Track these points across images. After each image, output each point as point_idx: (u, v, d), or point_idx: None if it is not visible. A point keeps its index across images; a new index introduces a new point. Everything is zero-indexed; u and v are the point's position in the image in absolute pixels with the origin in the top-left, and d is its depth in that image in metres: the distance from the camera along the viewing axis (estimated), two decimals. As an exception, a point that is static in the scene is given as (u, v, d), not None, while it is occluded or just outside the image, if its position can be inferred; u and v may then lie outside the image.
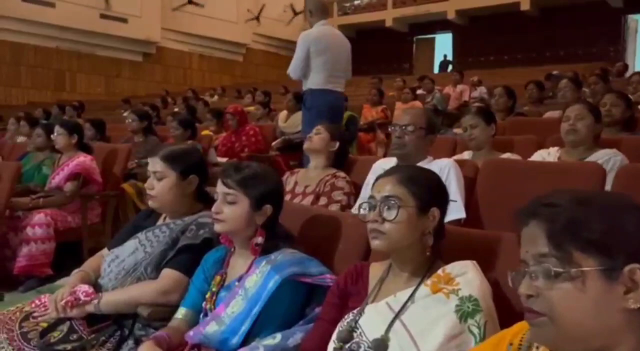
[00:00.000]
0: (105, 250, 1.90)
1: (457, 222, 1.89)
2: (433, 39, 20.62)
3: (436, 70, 19.11)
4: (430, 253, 1.18)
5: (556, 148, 2.41)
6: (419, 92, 7.78)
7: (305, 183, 2.40)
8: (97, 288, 1.68)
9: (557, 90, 3.85)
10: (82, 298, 1.56)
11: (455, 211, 1.87)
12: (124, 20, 15.18)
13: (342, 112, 4.12)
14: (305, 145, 2.46)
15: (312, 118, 3.91)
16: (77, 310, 1.57)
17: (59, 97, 14.26)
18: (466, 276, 1.12)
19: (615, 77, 9.11)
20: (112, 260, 1.72)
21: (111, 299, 1.58)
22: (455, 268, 1.14)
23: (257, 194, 1.46)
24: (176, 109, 8.07)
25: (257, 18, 19.03)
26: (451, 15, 18.19)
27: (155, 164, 1.76)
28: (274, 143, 5.02)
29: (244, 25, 18.78)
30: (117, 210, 3.86)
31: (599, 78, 4.12)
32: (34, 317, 1.59)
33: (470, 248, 1.26)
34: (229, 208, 1.45)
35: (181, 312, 1.51)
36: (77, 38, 14.57)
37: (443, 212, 1.20)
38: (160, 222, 1.84)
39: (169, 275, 1.60)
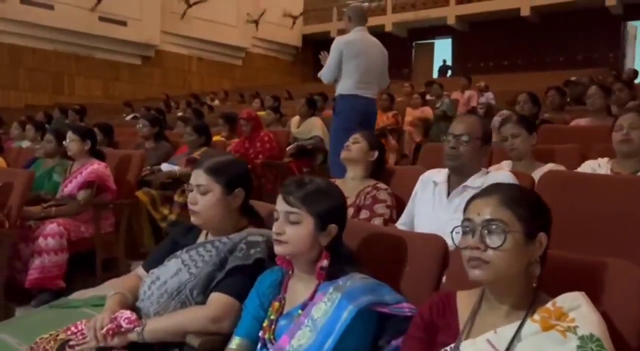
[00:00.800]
0: (140, 270, 1.76)
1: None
2: (432, 44, 20.59)
3: (435, 75, 19.06)
4: (537, 284, 1.05)
5: (606, 159, 2.30)
6: (428, 97, 7.67)
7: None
8: (137, 312, 1.54)
9: (586, 97, 3.74)
10: (124, 325, 1.42)
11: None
12: (123, 23, 15.03)
13: (373, 118, 4.04)
14: (343, 155, 2.33)
15: (341, 123, 3.87)
16: (118, 339, 1.42)
17: (57, 100, 14.07)
18: (580, 310, 0.99)
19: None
20: (152, 282, 1.58)
21: (156, 327, 1.44)
22: (566, 301, 1.01)
23: (322, 212, 1.33)
24: (180, 113, 7.93)
25: (257, 22, 18.91)
26: (451, 21, 18.15)
27: (198, 177, 1.63)
28: (287, 149, 4.90)
29: (244, 28, 18.67)
30: (129, 219, 3.71)
31: (625, 85, 4.01)
32: (70, 347, 1.44)
33: (573, 277, 1.13)
34: (292, 229, 1.32)
35: (235, 342, 1.38)
36: (76, 40, 14.40)
37: (549, 237, 1.07)
38: (201, 238, 1.71)
39: (219, 299, 1.46)
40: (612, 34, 16.59)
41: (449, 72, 18.86)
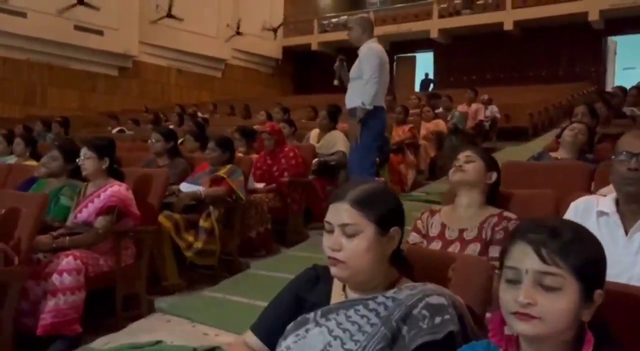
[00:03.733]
0: (249, 336, 1.31)
1: None
2: (414, 58, 20.49)
3: (417, 88, 18.94)
4: None
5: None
6: (438, 110, 7.36)
7: (458, 226, 1.85)
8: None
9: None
10: None
11: None
12: (100, 33, 14.37)
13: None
14: (457, 177, 1.91)
15: (375, 137, 3.73)
16: None
17: (28, 112, 13.31)
18: None
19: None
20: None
21: None
22: None
23: (589, 274, 0.91)
24: (171, 126, 7.40)
25: (237, 33, 18.47)
26: (434, 34, 18.08)
27: (342, 213, 1.19)
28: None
29: (224, 40, 18.20)
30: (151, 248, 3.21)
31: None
32: None
33: None
34: (548, 298, 0.89)
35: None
36: (50, 50, 13.67)
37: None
38: (337, 294, 1.27)
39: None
40: (594, 49, 16.75)
41: (431, 86, 18.75)
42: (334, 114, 4.93)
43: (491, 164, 1.93)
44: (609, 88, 17.26)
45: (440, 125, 6.62)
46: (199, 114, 9.24)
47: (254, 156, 4.35)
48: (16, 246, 2.51)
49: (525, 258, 0.91)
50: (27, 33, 12.87)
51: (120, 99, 15.54)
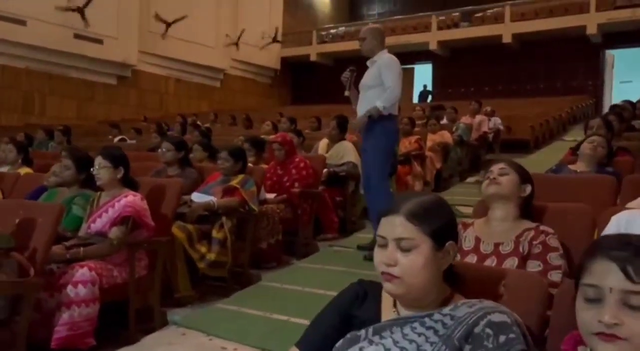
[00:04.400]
0: (296, 353, 1.26)
1: None
2: (412, 69, 20.55)
3: (415, 99, 18.98)
4: None
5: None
6: (443, 121, 7.35)
7: (493, 239, 1.82)
8: None
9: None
10: None
11: None
12: (100, 41, 14.34)
13: None
14: (492, 190, 1.88)
15: (391, 145, 3.80)
16: None
17: (26, 120, 13.24)
18: None
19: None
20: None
21: None
22: None
23: None
24: (176, 135, 7.35)
25: (236, 43, 18.49)
26: (433, 46, 18.17)
27: (396, 227, 1.15)
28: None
29: (223, 50, 18.22)
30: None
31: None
32: None
33: None
34: (636, 319, 0.85)
35: None
36: (49, 58, 13.61)
37: None
38: (387, 311, 1.22)
39: None
40: (591, 62, 16.87)
41: (430, 97, 18.81)
42: (343, 124, 4.90)
43: (525, 177, 1.90)
44: (606, 102, 17.44)
45: (446, 136, 6.61)
46: (199, 124, 9.19)
47: (261, 166, 4.31)
48: (31, 257, 2.45)
49: (608, 276, 0.87)
50: (26, 41, 12.82)
51: (119, 108, 15.49)
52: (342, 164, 4.71)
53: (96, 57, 14.34)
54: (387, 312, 1.22)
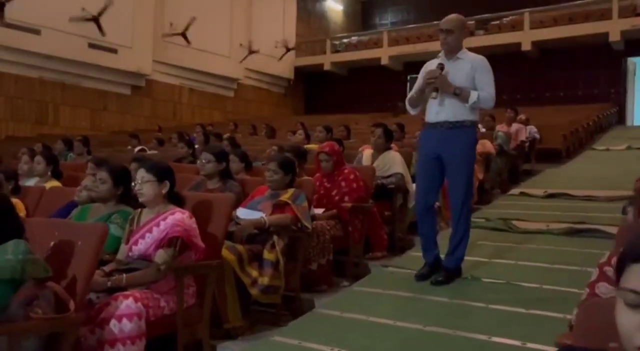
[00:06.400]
0: None
1: None
2: (429, 78, 20.19)
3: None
4: None
5: None
6: (482, 130, 6.97)
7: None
8: None
9: None
10: None
11: None
12: (114, 51, 14.10)
13: None
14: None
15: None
16: None
17: (40, 130, 12.98)
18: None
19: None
20: None
21: None
22: None
23: None
24: (196, 146, 7.01)
25: (250, 53, 18.23)
26: (450, 55, 17.81)
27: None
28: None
29: (236, 59, 17.96)
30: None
31: None
32: None
33: None
34: None
35: None
36: (63, 68, 13.37)
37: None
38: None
39: None
40: (613, 70, 16.50)
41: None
42: (390, 133, 4.54)
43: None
44: (629, 110, 17.05)
45: (487, 146, 6.23)
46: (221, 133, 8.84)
47: (304, 178, 3.95)
48: (70, 287, 2.09)
49: None
50: (40, 50, 12.59)
51: (132, 118, 15.23)
52: (389, 176, 4.34)
53: (110, 66, 14.09)
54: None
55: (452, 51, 3.28)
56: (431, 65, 3.40)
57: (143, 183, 2.53)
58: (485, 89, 3.20)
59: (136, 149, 7.82)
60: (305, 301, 3.26)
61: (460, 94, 3.17)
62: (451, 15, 3.35)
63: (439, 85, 3.18)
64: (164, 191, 2.56)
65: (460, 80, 3.18)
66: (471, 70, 3.21)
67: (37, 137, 11.91)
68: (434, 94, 3.17)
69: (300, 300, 3.25)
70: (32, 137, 11.86)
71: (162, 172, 2.57)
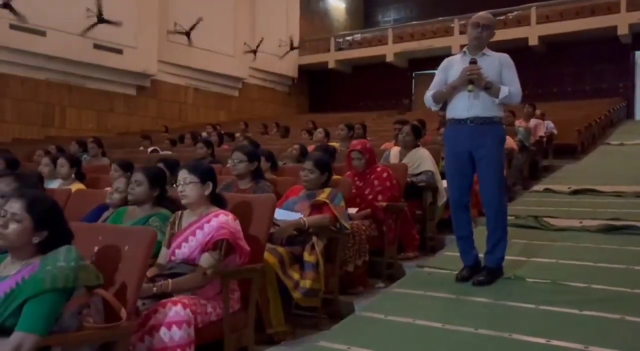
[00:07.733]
0: None
1: None
2: (433, 75, 19.98)
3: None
4: None
5: None
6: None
7: None
8: None
9: None
10: None
11: None
12: (119, 51, 14.02)
13: None
14: None
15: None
16: None
17: (47, 132, 12.92)
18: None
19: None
20: None
21: None
22: None
23: None
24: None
25: (255, 52, 18.14)
26: (456, 51, 17.71)
27: None
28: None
29: (241, 58, 17.88)
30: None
31: None
32: None
33: None
34: None
35: None
36: (69, 69, 13.30)
37: None
38: None
39: None
40: (621, 64, 16.40)
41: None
42: (418, 130, 4.45)
43: None
44: (637, 104, 16.93)
45: (510, 142, 6.12)
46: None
47: (335, 177, 3.85)
48: (119, 294, 2.00)
49: None
50: (46, 52, 12.52)
51: (138, 119, 15.15)
52: (419, 173, 4.25)
53: (116, 67, 14.02)
54: None
55: (480, 47, 3.22)
56: (454, 61, 3.35)
57: (186, 185, 2.44)
58: (513, 85, 3.15)
59: (149, 150, 7.74)
60: (343, 304, 3.17)
61: (491, 88, 3.10)
62: (482, 12, 3.31)
63: (476, 79, 3.10)
64: (206, 192, 2.47)
65: (491, 76, 3.12)
66: (499, 66, 3.14)
67: (44, 139, 11.86)
68: (470, 87, 3.08)
69: (339, 302, 3.16)
70: (39, 140, 11.80)
71: (205, 173, 2.48)
